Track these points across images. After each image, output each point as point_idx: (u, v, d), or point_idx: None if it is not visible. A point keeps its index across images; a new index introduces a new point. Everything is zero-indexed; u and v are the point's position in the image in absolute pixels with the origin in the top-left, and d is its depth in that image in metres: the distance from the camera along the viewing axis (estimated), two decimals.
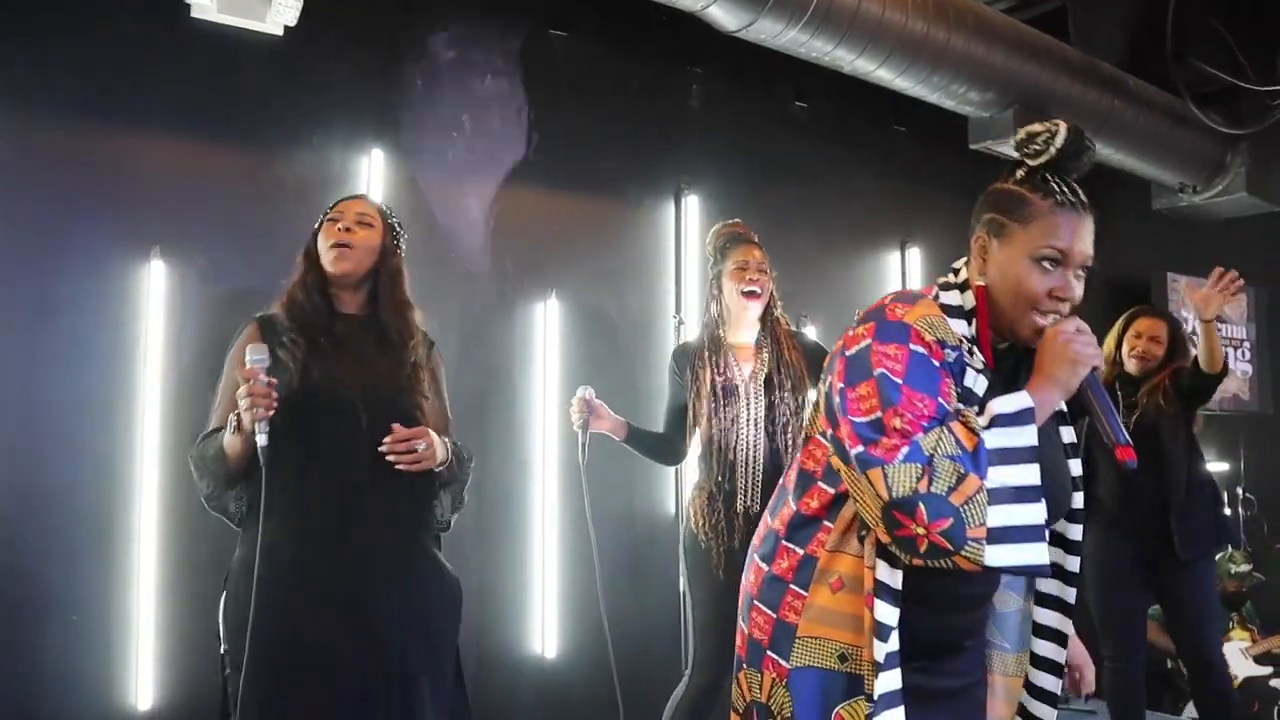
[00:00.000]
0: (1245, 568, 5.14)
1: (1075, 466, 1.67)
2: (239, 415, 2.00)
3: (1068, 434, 1.67)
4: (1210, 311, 3.33)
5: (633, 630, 3.52)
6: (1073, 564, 1.70)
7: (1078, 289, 1.55)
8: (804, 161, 4.60)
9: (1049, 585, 1.71)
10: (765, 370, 2.94)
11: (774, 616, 1.58)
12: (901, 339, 1.49)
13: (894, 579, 1.49)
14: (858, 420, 1.45)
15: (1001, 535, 1.40)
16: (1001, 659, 1.71)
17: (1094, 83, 4.40)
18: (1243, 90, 4.79)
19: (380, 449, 2.06)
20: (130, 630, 2.99)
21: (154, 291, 3.09)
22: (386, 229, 2.28)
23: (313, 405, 2.07)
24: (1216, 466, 5.28)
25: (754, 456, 2.89)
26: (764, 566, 1.63)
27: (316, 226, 2.28)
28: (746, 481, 2.88)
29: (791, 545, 1.60)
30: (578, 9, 3.99)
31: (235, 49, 3.18)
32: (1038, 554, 1.42)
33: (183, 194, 3.17)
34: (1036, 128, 1.57)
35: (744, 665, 1.63)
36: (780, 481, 1.70)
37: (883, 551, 1.48)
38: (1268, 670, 4.81)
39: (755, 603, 1.63)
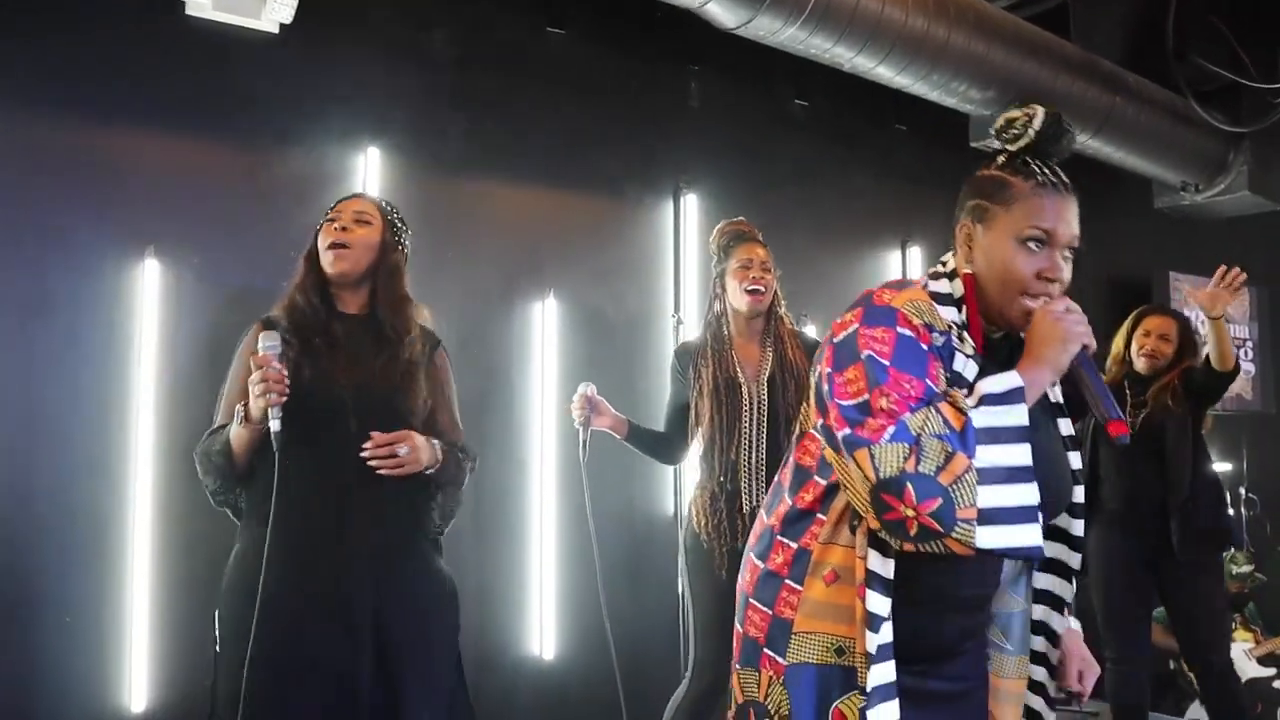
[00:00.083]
0: (1247, 568, 5.11)
1: (1075, 459, 1.64)
2: (246, 406, 2.02)
3: (1066, 427, 1.65)
4: (1219, 309, 3.31)
5: (631, 631, 3.50)
6: (1075, 560, 1.67)
7: (1066, 270, 1.54)
8: (803, 160, 4.59)
9: (1044, 581, 1.68)
10: (768, 369, 2.93)
11: (770, 613, 1.57)
12: (889, 322, 1.48)
13: (885, 568, 1.47)
14: (845, 403, 1.45)
15: (993, 516, 1.38)
16: (1003, 661, 1.68)
17: (1095, 80, 4.38)
18: (1244, 88, 4.76)
19: (361, 454, 2.05)
20: (124, 631, 2.97)
21: (149, 291, 3.07)
22: (386, 225, 2.26)
23: (304, 406, 2.05)
24: (1219, 466, 5.25)
25: (757, 456, 2.87)
26: (759, 564, 1.62)
27: (317, 227, 2.27)
28: (750, 481, 2.86)
29: (785, 540, 1.59)
30: (575, 6, 3.97)
31: (231, 47, 3.17)
32: (1031, 535, 1.41)
33: (178, 193, 3.16)
34: (1014, 113, 1.58)
35: (739, 666, 1.61)
36: (776, 478, 1.68)
37: (874, 541, 1.47)
38: (1271, 671, 4.79)
39: (751, 600, 1.61)
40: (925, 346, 1.48)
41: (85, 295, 3.01)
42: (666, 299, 4.16)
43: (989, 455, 1.40)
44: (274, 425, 1.99)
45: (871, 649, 1.45)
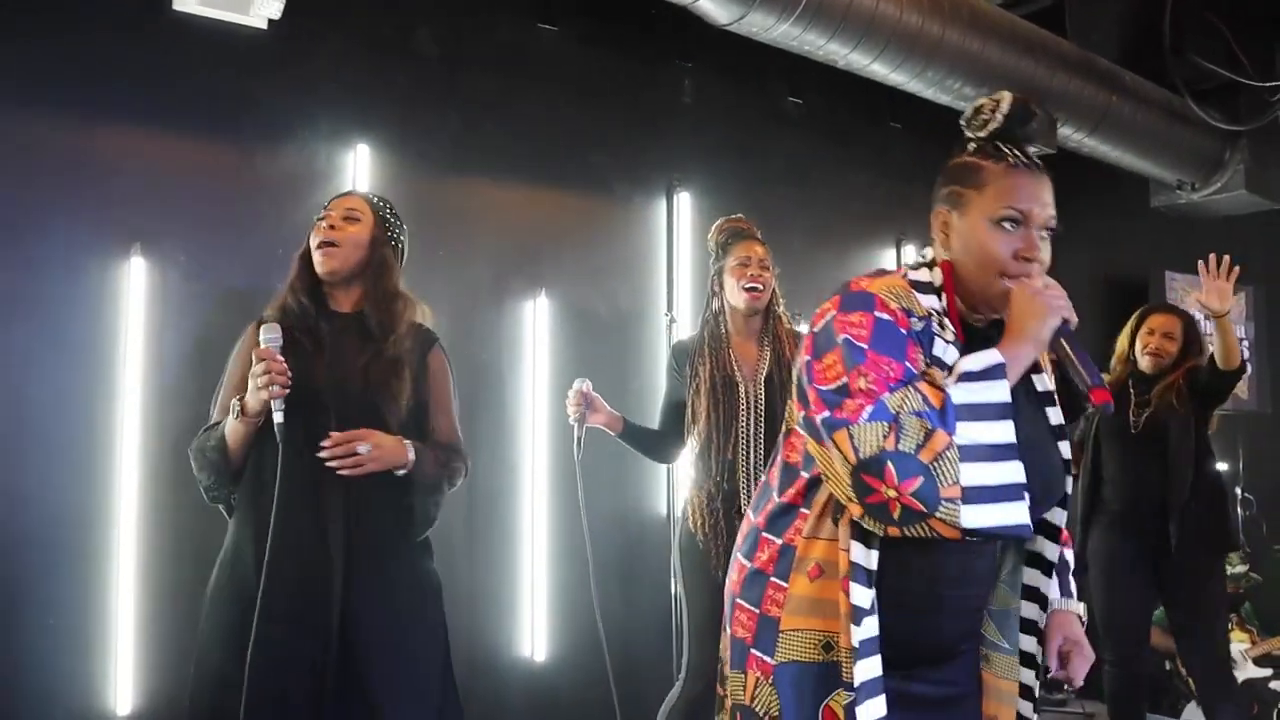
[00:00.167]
0: (1242, 569, 5.09)
1: (1065, 449, 1.62)
2: (242, 400, 2.04)
3: (1055, 416, 1.62)
4: (1225, 304, 3.24)
5: (624, 632, 3.48)
6: (1052, 552, 1.64)
7: (1044, 250, 1.54)
8: (797, 158, 4.56)
9: (1030, 576, 1.65)
10: (766, 368, 2.90)
11: (757, 612, 1.55)
12: (866, 307, 1.48)
13: (868, 560, 1.46)
14: (823, 388, 1.44)
15: (978, 495, 1.37)
16: (1002, 661, 1.65)
17: (1091, 78, 4.36)
18: (1241, 86, 4.74)
19: (319, 454, 2.03)
20: (109, 634, 2.94)
21: (134, 290, 3.04)
22: (377, 221, 2.25)
23: (287, 405, 2.05)
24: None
25: (754, 455, 2.84)
26: (746, 563, 1.60)
27: (312, 226, 2.27)
28: (747, 481, 2.83)
29: (770, 536, 1.57)
30: (567, 3, 3.94)
31: (218, 42, 3.13)
32: (1018, 513, 1.39)
33: (164, 190, 3.12)
34: (982, 101, 1.59)
35: (730, 671, 1.59)
36: (764, 478, 1.66)
37: (857, 533, 1.46)
38: (1267, 672, 4.76)
39: (738, 600, 1.59)
40: (904, 331, 1.47)
41: (70, 294, 2.97)
42: (659, 298, 4.14)
43: (970, 432, 1.39)
44: (278, 417, 2.01)
45: (855, 643, 1.43)
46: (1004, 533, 1.41)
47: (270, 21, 3.06)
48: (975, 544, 1.54)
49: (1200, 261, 3.28)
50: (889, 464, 1.36)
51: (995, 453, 1.39)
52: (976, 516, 1.36)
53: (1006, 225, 1.52)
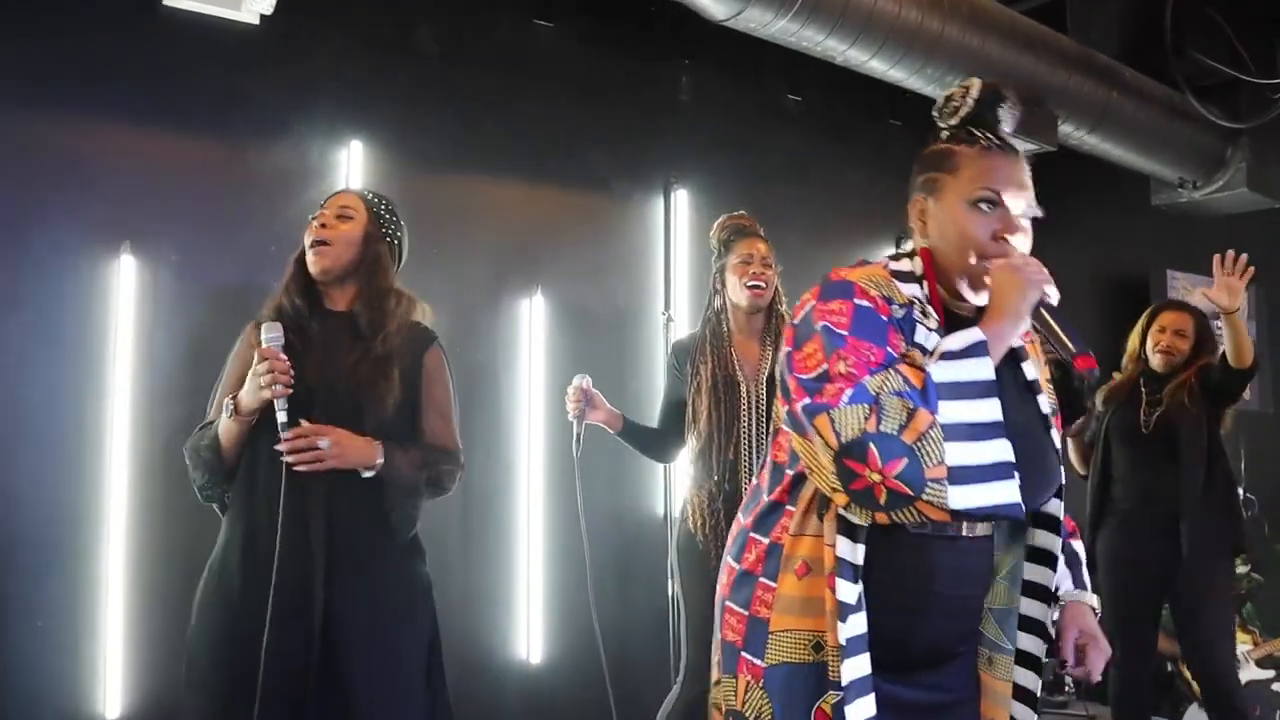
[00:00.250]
0: (1243, 569, 5.06)
1: (1056, 438, 1.59)
2: (236, 399, 2.03)
3: (1045, 405, 1.59)
4: (1236, 301, 3.20)
5: (620, 634, 3.45)
6: (1058, 545, 1.60)
7: (1024, 231, 1.52)
8: (796, 155, 4.53)
9: (1032, 572, 1.60)
10: (768, 367, 2.87)
11: (746, 614, 1.52)
12: (845, 295, 1.47)
13: (854, 554, 1.43)
14: (804, 376, 1.42)
15: (964, 475, 1.34)
16: (1001, 662, 1.59)
17: (1091, 75, 4.34)
18: (1242, 83, 4.72)
19: (277, 447, 2.01)
20: (98, 635, 2.91)
21: (125, 288, 3.01)
22: (371, 218, 2.23)
23: (273, 404, 2.03)
24: None
25: (756, 456, 2.82)
26: (735, 565, 1.58)
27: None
28: (748, 482, 2.80)
29: (757, 536, 1.55)
30: None
31: (209, 39, 3.11)
32: (1008, 492, 1.36)
33: (154, 188, 3.10)
34: (952, 89, 1.59)
35: (721, 675, 1.56)
36: (754, 480, 1.63)
37: (842, 527, 1.43)
38: (1270, 674, 4.73)
39: (728, 604, 1.57)
40: (884, 318, 1.46)
41: (59, 292, 2.94)
42: (656, 296, 4.12)
43: (954, 411, 1.36)
44: (281, 417, 2.00)
45: (842, 641, 1.41)
46: (995, 513, 1.38)
47: (262, 17, 3.04)
48: (969, 539, 1.51)
49: (1216, 256, 3.24)
50: (871, 446, 1.33)
51: (980, 431, 1.37)
52: (965, 497, 1.34)
53: (983, 206, 1.50)
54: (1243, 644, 4.82)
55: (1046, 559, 1.59)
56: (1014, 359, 1.55)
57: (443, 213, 3.62)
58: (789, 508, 1.52)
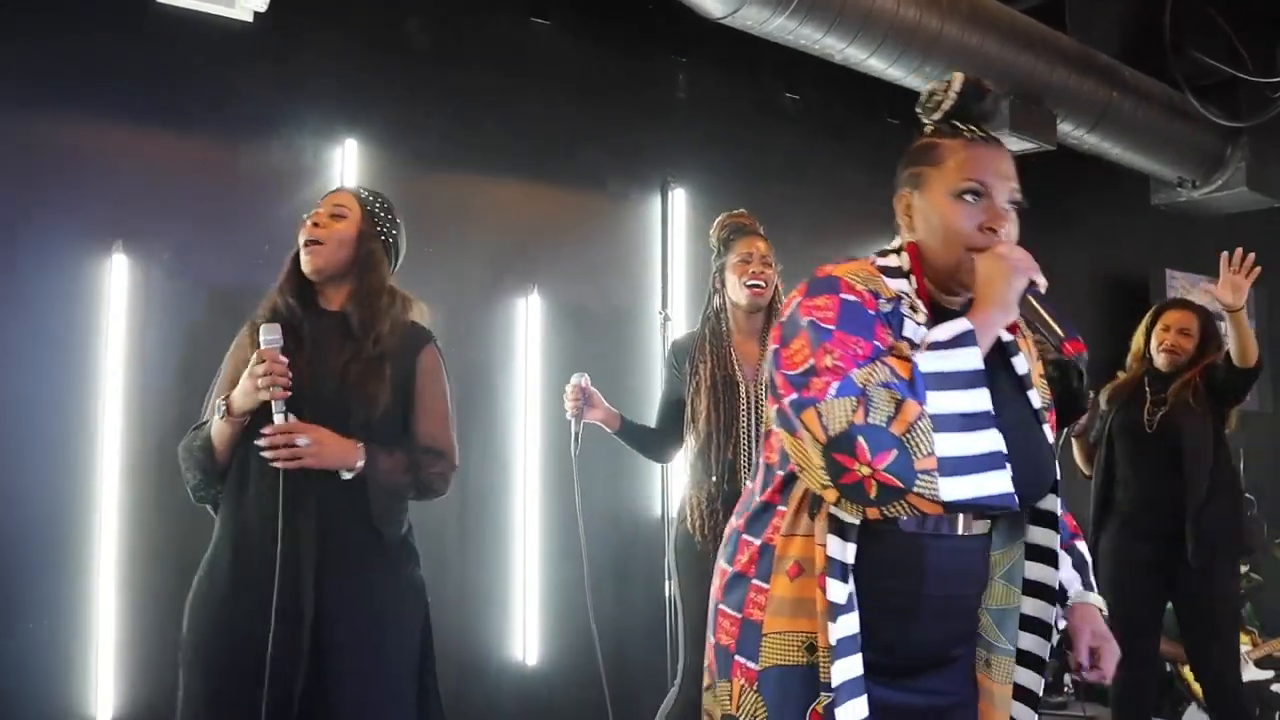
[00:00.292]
0: (1242, 569, 5.05)
1: (1049, 433, 1.57)
2: (229, 400, 2.02)
3: (1036, 400, 1.57)
4: (1240, 299, 3.17)
5: (617, 636, 3.43)
6: (1054, 543, 1.58)
7: (1010, 222, 1.51)
8: (794, 154, 4.51)
9: (1034, 571, 1.58)
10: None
11: (739, 617, 1.51)
12: (831, 290, 1.46)
13: (844, 553, 1.41)
14: (791, 373, 1.41)
15: (955, 466, 1.32)
16: (1000, 663, 1.57)
17: (1091, 74, 4.32)
18: (1242, 82, 4.71)
19: (257, 443, 2.00)
20: (90, 638, 2.89)
21: (117, 287, 2.99)
22: (365, 216, 2.21)
23: (263, 405, 2.02)
24: None
25: (755, 455, 2.79)
26: (727, 567, 1.57)
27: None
28: (748, 481, 2.78)
29: (749, 537, 1.54)
30: None
31: (202, 35, 3.08)
32: (999, 483, 1.34)
33: (147, 186, 3.08)
34: (934, 85, 1.59)
35: (716, 680, 1.53)
36: (748, 484, 1.62)
37: (833, 526, 1.41)
38: (1269, 674, 4.72)
39: (720, 607, 1.55)
40: (871, 312, 1.45)
41: (50, 292, 2.92)
42: (653, 295, 4.09)
43: (942, 402, 1.34)
44: (278, 419, 2.00)
45: (833, 641, 1.39)
46: (988, 504, 1.35)
47: (255, 14, 3.01)
48: (964, 538, 1.49)
49: (1223, 254, 3.21)
50: (860, 439, 1.32)
51: (970, 421, 1.35)
52: (956, 488, 1.32)
53: (968, 198, 1.49)
54: (1242, 644, 4.81)
55: (1047, 556, 1.57)
56: (1004, 354, 1.54)
57: (438, 211, 3.59)
58: (780, 508, 1.51)
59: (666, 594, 3.57)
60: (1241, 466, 5.70)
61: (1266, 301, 5.95)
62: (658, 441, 3.01)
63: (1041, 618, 1.56)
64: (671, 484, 3.85)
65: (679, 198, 4.14)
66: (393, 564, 2.10)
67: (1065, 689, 4.87)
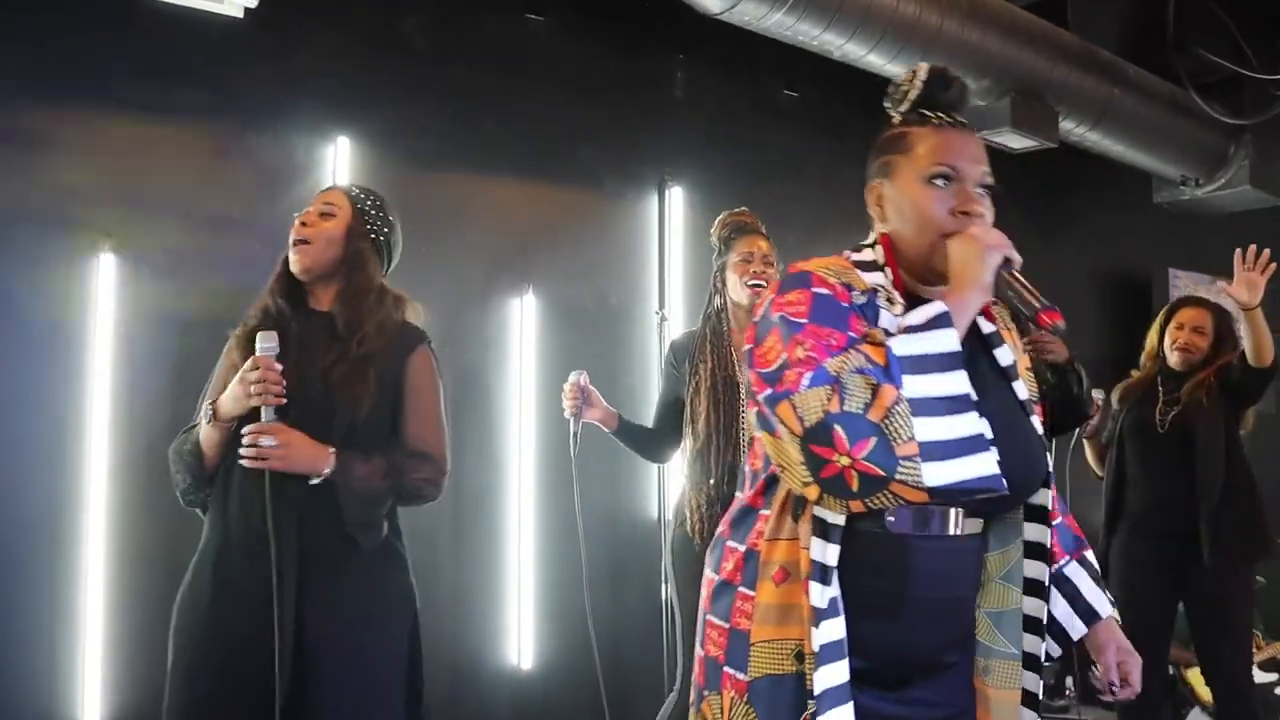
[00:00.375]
0: None
1: (1038, 424, 1.53)
2: (215, 405, 2.02)
3: (1022, 390, 1.53)
4: (1255, 296, 3.10)
5: (613, 638, 3.39)
6: (1047, 536, 1.54)
7: (985, 207, 1.49)
8: (792, 152, 4.47)
9: (1032, 569, 1.53)
10: None
11: (726, 626, 1.47)
12: (803, 285, 1.44)
13: (826, 554, 1.37)
14: (764, 370, 1.38)
15: (937, 450, 1.28)
16: (1000, 669, 1.50)
17: (1092, 71, 4.30)
18: (1246, 79, 4.69)
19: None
20: (77, 641, 2.85)
21: (104, 287, 2.95)
22: (355, 214, 2.17)
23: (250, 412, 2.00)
24: None
25: None
26: (714, 575, 1.53)
27: None
28: None
29: (734, 544, 1.51)
30: None
31: (192, 31, 3.04)
32: (984, 465, 1.31)
33: (136, 184, 3.03)
34: (900, 77, 1.58)
35: (704, 694, 1.49)
36: (739, 494, 1.58)
37: (816, 528, 1.38)
38: (1273, 677, 4.68)
39: (708, 617, 1.51)
40: (845, 304, 1.42)
41: (37, 291, 2.88)
42: (650, 295, 4.05)
43: (920, 385, 1.31)
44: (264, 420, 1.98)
45: (816, 648, 1.35)
46: (974, 488, 1.31)
47: (246, 10, 2.98)
48: (953, 538, 1.45)
49: (1237, 250, 3.16)
50: (837, 428, 1.29)
51: (950, 405, 1.32)
52: (940, 473, 1.28)
53: (938, 182, 1.47)
54: None
55: (1039, 553, 1.53)
56: (987, 345, 1.51)
57: (432, 210, 3.55)
58: (763, 512, 1.47)
59: (663, 597, 3.54)
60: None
61: (1271, 300, 5.91)
62: (655, 442, 2.98)
63: (1036, 616, 1.53)
64: (669, 485, 3.81)
65: (676, 196, 4.11)
66: (372, 570, 2.06)
67: (1067, 692, 4.82)
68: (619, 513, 3.90)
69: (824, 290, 1.42)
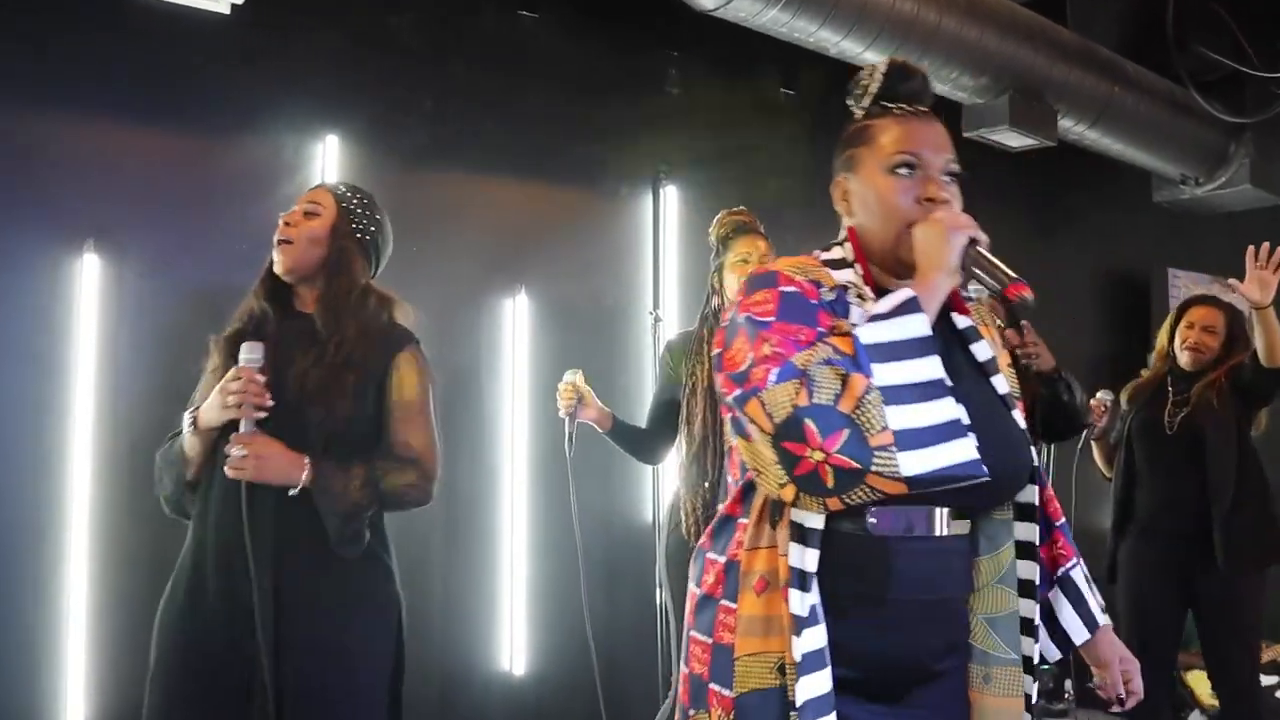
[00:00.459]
0: None
1: (1019, 419, 1.50)
2: (196, 413, 2.00)
3: (1002, 384, 1.49)
4: (1267, 295, 3.04)
5: (608, 642, 3.35)
6: (1035, 534, 1.51)
7: (951, 194, 1.46)
8: (789, 151, 4.43)
9: (1026, 570, 1.50)
10: None
11: (710, 642, 1.43)
12: (769, 284, 1.42)
13: (805, 560, 1.34)
14: (733, 372, 1.36)
15: (913, 439, 1.25)
16: (1002, 677, 1.46)
17: (1092, 69, 4.27)
18: (1246, 78, 4.67)
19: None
20: (60, 642, 2.81)
21: (88, 287, 2.90)
22: (340, 214, 2.13)
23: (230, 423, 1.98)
24: None
25: None
26: (695, 589, 1.50)
27: None
28: None
29: (714, 555, 1.47)
30: None
31: (178, 28, 2.99)
32: (963, 450, 1.28)
33: (120, 183, 2.99)
34: (860, 72, 1.57)
35: (690, 713, 1.45)
36: (719, 505, 1.55)
37: (795, 533, 1.34)
38: (1273, 680, 4.65)
39: (691, 633, 1.47)
40: (814, 301, 1.40)
41: (18, 293, 2.83)
42: (645, 294, 4.01)
43: (891, 373, 1.28)
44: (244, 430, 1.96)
45: (797, 657, 1.31)
46: (954, 475, 1.28)
47: (233, 6, 2.94)
48: (938, 539, 1.41)
49: (1249, 248, 3.11)
50: (808, 422, 1.25)
51: (923, 391, 1.29)
52: (918, 462, 1.25)
53: (901, 171, 1.45)
54: None
55: (1027, 551, 1.50)
56: (962, 341, 1.48)
57: (422, 209, 3.51)
58: (741, 520, 1.44)
59: (657, 601, 3.50)
60: None
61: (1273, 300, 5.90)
62: (649, 443, 2.96)
63: (1029, 617, 1.50)
64: (663, 487, 3.78)
65: (671, 194, 4.06)
66: (353, 580, 2.02)
67: (1066, 695, 4.79)
68: (613, 515, 3.87)
69: (791, 288, 1.40)
